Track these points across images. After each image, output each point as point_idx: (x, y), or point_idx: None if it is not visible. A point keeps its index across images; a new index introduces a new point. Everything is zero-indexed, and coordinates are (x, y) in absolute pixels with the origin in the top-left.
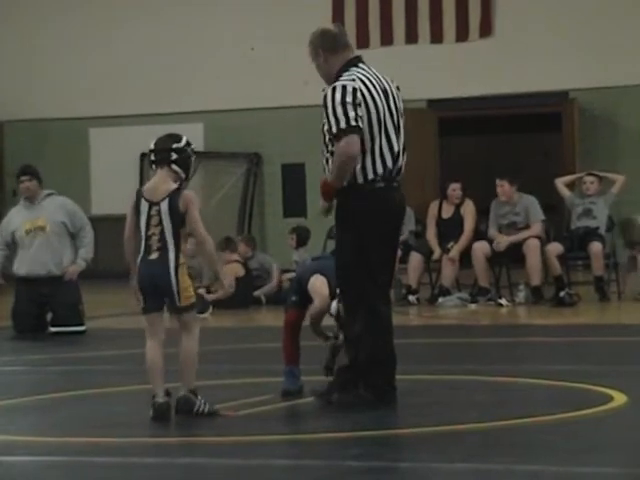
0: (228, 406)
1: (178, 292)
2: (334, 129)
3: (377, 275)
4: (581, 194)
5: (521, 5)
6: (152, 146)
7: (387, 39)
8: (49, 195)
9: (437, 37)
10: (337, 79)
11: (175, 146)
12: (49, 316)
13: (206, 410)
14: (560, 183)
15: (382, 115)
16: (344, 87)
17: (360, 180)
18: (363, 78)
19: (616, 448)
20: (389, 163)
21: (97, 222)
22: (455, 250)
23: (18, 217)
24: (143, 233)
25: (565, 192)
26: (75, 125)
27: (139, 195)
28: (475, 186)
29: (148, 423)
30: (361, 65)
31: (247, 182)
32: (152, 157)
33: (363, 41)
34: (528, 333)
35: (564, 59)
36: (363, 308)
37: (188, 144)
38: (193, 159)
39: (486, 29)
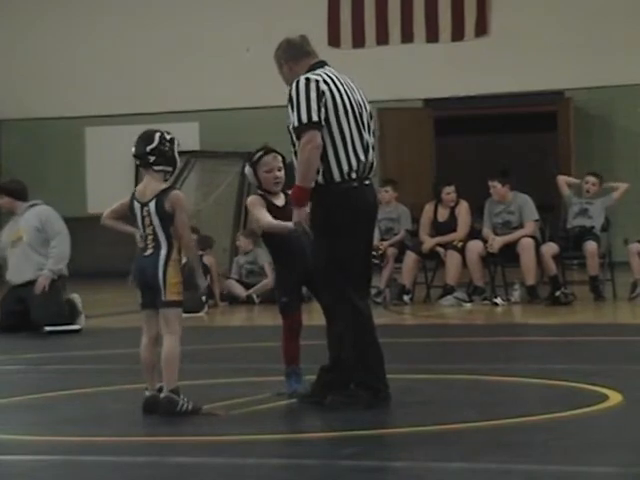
0: (222, 405)
1: (165, 286)
2: (296, 123)
3: (356, 274)
4: (579, 193)
5: (516, 5)
6: (133, 151)
7: (383, 38)
8: (32, 206)
9: (433, 36)
10: None
11: (149, 149)
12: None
13: (190, 408)
14: (562, 180)
15: (350, 108)
16: (307, 80)
17: (337, 177)
18: (325, 77)
19: (612, 447)
20: (361, 156)
21: (93, 221)
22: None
23: (6, 232)
24: (142, 233)
25: (565, 190)
26: (71, 124)
27: (132, 197)
28: (471, 185)
29: (142, 422)
30: (325, 67)
31: (243, 181)
32: (136, 162)
33: (359, 40)
34: (523, 332)
35: (559, 58)
36: (343, 308)
37: (162, 139)
38: (175, 148)
39: (482, 28)
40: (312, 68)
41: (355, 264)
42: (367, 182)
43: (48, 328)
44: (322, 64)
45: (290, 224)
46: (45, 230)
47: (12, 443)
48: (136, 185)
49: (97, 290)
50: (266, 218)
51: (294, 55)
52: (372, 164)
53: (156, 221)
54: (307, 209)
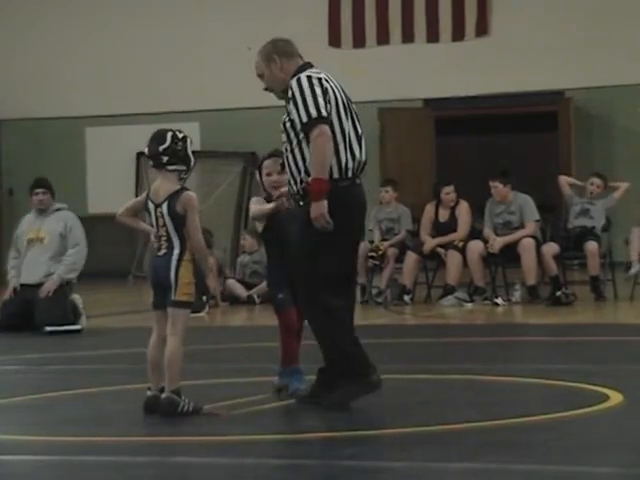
0: (222, 405)
1: (176, 285)
2: (304, 119)
3: (340, 273)
4: (581, 193)
5: (517, 5)
6: (146, 151)
7: (383, 38)
8: (59, 210)
9: (433, 36)
10: None
11: (162, 148)
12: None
13: (190, 409)
14: (564, 180)
15: (347, 104)
16: (309, 77)
17: (335, 174)
18: (324, 75)
19: (612, 447)
20: (357, 151)
21: (93, 221)
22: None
23: (26, 226)
24: (155, 233)
25: (567, 190)
26: (71, 124)
27: (147, 196)
28: (471, 185)
29: (143, 422)
30: (313, 68)
31: (243, 181)
32: (149, 162)
33: (359, 40)
34: (524, 332)
35: (560, 58)
36: (313, 309)
37: (175, 139)
38: (187, 146)
39: (482, 28)
40: (301, 69)
41: (341, 264)
42: (358, 181)
43: (49, 328)
44: (310, 65)
45: (270, 205)
46: (67, 237)
47: (12, 443)
48: (137, 185)
49: (97, 290)
50: (252, 209)
51: (287, 51)
52: (365, 162)
53: (169, 222)
54: (326, 203)
